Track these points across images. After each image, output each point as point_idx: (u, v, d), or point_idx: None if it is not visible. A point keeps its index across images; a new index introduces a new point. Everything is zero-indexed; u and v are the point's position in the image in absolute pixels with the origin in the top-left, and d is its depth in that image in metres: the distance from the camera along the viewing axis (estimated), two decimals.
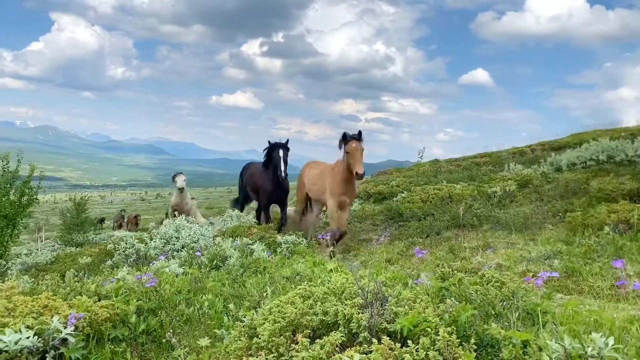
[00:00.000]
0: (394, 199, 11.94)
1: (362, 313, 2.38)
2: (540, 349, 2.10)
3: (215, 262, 5.90)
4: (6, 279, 5.69)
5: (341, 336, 2.26)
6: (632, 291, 4.05)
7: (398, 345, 2.10)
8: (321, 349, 2.17)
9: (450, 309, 2.48)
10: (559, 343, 2.04)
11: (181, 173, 14.98)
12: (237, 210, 12.27)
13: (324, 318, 2.49)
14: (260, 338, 2.41)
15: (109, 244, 9.30)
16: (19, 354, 2.64)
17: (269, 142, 10.63)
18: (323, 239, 4.47)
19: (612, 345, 1.95)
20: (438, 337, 2.11)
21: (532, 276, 3.04)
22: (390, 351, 2.06)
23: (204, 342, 2.76)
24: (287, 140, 10.53)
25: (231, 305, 3.86)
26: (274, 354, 2.30)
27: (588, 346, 1.98)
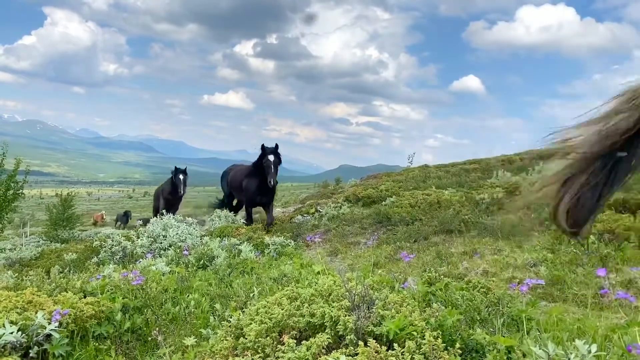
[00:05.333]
0: (383, 203, 11.96)
1: (349, 315, 2.38)
2: (524, 355, 2.12)
3: (202, 261, 5.89)
4: None
5: (327, 338, 2.26)
6: (615, 300, 4.10)
7: (384, 348, 2.11)
8: (307, 350, 2.17)
9: (437, 314, 2.50)
10: (542, 349, 2.06)
11: None
12: (225, 210, 12.28)
13: (310, 320, 2.49)
14: (246, 338, 2.41)
15: (95, 241, 9.24)
16: (2, 349, 2.61)
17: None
18: (312, 240, 4.46)
19: (595, 352, 1.97)
20: (424, 341, 2.12)
21: (518, 283, 3.08)
22: (376, 354, 2.07)
23: (190, 341, 2.75)
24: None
25: (217, 305, 3.85)
26: (260, 355, 2.30)
27: (571, 353, 2.00)
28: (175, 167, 15.37)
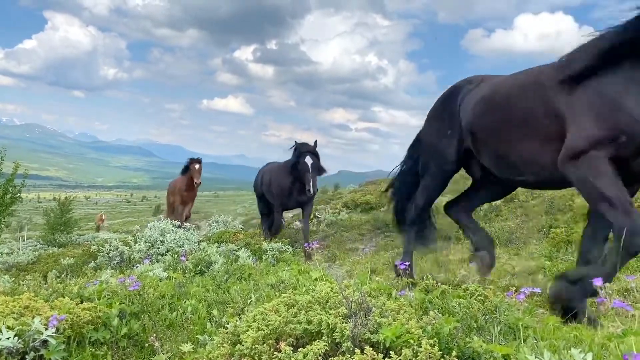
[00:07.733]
0: (382, 209, 11.98)
1: (345, 323, 2.38)
2: None
3: (199, 267, 5.88)
4: None
5: (324, 345, 2.26)
6: (611, 308, 4.10)
7: (380, 356, 2.11)
8: (304, 357, 2.17)
9: (433, 321, 2.51)
10: (539, 357, 2.06)
11: None
12: (223, 216, 12.22)
13: (307, 327, 2.49)
14: (243, 345, 2.41)
15: (93, 245, 9.23)
16: None
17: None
18: (309, 247, 4.45)
19: None
20: (420, 349, 2.12)
21: (515, 291, 3.08)
22: None
23: (187, 347, 2.75)
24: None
25: (215, 311, 3.84)
26: None
27: None
28: (296, 142, 9.53)
